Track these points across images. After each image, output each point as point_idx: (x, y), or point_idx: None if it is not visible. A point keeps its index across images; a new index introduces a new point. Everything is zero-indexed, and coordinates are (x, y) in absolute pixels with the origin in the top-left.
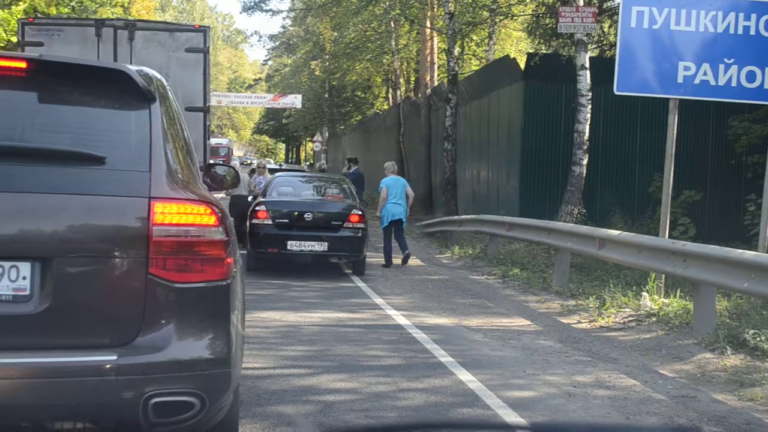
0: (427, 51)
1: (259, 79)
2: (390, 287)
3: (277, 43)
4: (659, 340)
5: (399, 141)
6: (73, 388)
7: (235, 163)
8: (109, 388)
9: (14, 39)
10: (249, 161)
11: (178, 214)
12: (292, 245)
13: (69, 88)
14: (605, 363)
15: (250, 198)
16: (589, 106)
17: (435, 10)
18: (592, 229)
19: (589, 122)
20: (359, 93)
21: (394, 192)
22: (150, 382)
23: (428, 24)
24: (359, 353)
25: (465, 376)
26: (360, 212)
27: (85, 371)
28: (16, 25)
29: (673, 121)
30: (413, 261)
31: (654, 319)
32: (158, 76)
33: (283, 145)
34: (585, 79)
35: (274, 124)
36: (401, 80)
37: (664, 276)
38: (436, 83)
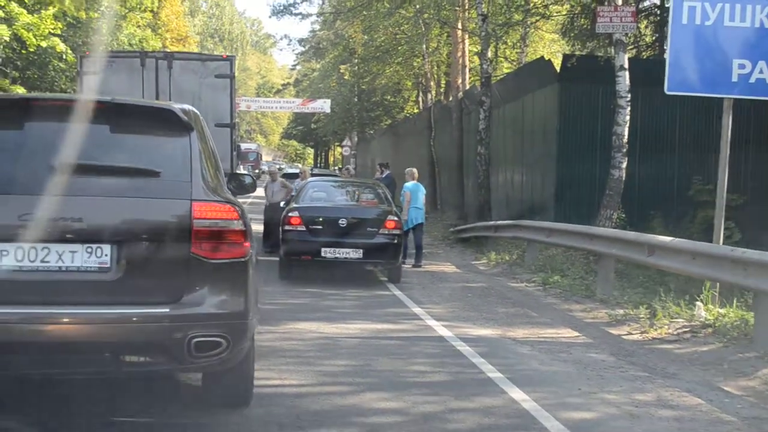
0: (459, 54)
1: (288, 83)
2: (428, 296)
3: (306, 47)
4: (719, 353)
5: (430, 145)
6: (139, 330)
7: (272, 168)
8: (164, 330)
9: (44, 44)
10: (278, 166)
11: (211, 211)
12: (327, 252)
13: (133, 121)
14: (664, 379)
15: (282, 204)
16: (628, 108)
17: (467, 12)
18: (641, 235)
19: (628, 124)
20: (389, 97)
21: (415, 197)
22: (192, 327)
23: (460, 26)
24: (402, 368)
25: (517, 394)
26: (396, 218)
27: (148, 318)
28: (46, 30)
29: (728, 122)
30: (449, 267)
31: (710, 330)
32: (194, 109)
33: (312, 150)
34: (624, 80)
35: (302, 129)
36: (432, 84)
37: (718, 284)
38: (467, 86)
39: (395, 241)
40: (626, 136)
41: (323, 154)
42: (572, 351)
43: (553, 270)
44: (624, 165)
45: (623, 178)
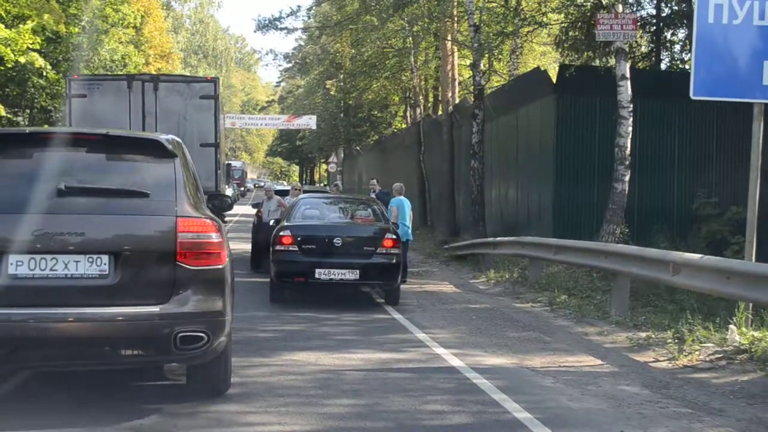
0: (448, 67)
1: (272, 100)
2: (430, 319)
3: (291, 63)
4: (762, 383)
5: (420, 160)
6: (134, 326)
7: (268, 185)
8: (154, 326)
9: (22, 59)
10: (261, 183)
11: (193, 226)
12: (321, 273)
13: (125, 150)
14: (711, 416)
15: (272, 222)
16: (631, 119)
17: (457, 24)
18: (665, 253)
19: (630, 136)
20: (376, 112)
21: (402, 213)
22: (178, 323)
23: (450, 38)
24: (417, 408)
25: None
26: (394, 236)
27: (141, 317)
28: (24, 46)
29: (758, 129)
30: (447, 287)
31: (746, 356)
32: (177, 138)
33: (297, 167)
34: (626, 90)
35: (287, 146)
36: (420, 98)
37: (751, 306)
38: (457, 100)
39: (393, 261)
40: (629, 148)
41: (308, 171)
42: (600, 383)
43: (558, 289)
44: (627, 178)
45: (626, 192)
